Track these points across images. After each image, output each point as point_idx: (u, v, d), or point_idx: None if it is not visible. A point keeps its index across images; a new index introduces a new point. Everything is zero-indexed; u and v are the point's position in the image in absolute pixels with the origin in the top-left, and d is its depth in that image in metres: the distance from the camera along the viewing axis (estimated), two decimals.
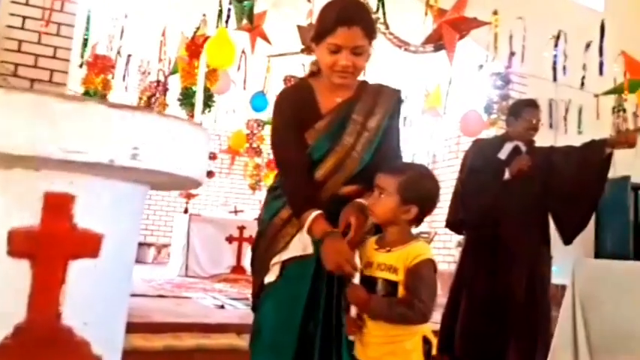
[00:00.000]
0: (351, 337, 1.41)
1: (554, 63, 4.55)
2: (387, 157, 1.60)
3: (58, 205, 1.16)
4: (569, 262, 3.07)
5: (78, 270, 1.15)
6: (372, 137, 1.60)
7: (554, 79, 4.60)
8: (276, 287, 1.57)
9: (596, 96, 5.07)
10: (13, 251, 1.14)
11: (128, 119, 1.13)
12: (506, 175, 2.88)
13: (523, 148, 3.01)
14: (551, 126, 5.43)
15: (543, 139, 5.30)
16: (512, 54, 4.52)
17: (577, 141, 5.45)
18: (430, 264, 1.37)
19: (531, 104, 3.13)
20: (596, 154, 2.86)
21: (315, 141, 1.58)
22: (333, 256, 1.39)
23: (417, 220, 1.46)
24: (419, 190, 1.43)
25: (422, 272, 1.34)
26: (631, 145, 2.80)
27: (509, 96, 4.96)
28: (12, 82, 3.96)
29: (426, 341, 1.36)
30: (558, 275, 4.87)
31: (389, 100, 1.64)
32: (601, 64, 4.33)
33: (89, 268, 1.17)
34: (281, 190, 1.62)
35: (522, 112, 3.03)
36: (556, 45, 4.56)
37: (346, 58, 1.53)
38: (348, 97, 1.64)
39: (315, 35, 1.59)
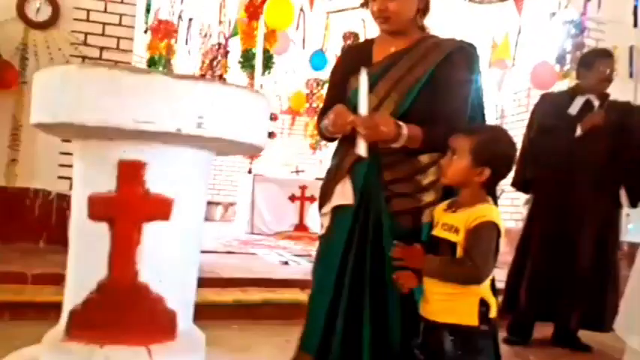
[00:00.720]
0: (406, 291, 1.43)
1: (635, 7, 4.19)
2: (431, 109, 1.54)
3: (131, 172, 1.23)
4: None
5: (152, 232, 1.23)
6: (410, 86, 1.55)
7: (635, 24, 4.25)
8: (324, 237, 1.65)
9: None
10: (93, 215, 1.24)
11: (192, 89, 1.17)
12: (578, 131, 2.74)
13: (596, 102, 2.83)
14: (631, 75, 5.06)
15: (623, 89, 4.98)
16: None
17: None
18: (491, 226, 1.33)
19: (604, 54, 2.93)
20: None
21: (354, 90, 1.59)
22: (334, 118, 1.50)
23: (491, 183, 1.41)
24: (493, 151, 1.38)
25: (480, 233, 1.31)
26: None
27: (585, 45, 4.64)
28: (82, 50, 4.15)
29: (483, 303, 1.33)
30: (633, 234, 4.65)
31: (442, 52, 1.59)
32: None
33: (162, 230, 1.25)
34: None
35: (594, 63, 2.84)
36: None
37: (380, 2, 1.56)
38: (402, 48, 1.62)
39: None
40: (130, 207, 1.22)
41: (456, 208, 1.40)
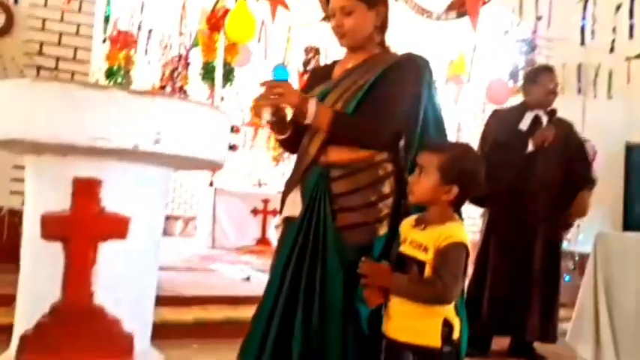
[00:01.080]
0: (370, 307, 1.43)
1: (583, 27, 4.39)
2: (370, 116, 1.55)
3: (86, 190, 1.20)
4: (594, 232, 3.06)
5: (108, 251, 1.20)
6: (353, 94, 1.58)
7: (582, 42, 4.46)
8: (277, 245, 1.68)
9: (628, 59, 4.90)
10: (47, 234, 1.20)
11: (150, 106, 1.16)
12: (530, 147, 2.84)
13: (544, 117, 2.96)
14: (579, 91, 5.29)
15: (572, 104, 5.20)
16: (538, 18, 4.38)
17: (607, 106, 5.35)
18: (460, 247, 1.33)
19: (546, 69, 3.08)
20: None
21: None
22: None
23: (459, 201, 1.40)
24: (461, 169, 1.37)
25: (449, 254, 1.31)
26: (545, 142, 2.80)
27: (536, 62, 4.84)
28: (37, 60, 4.03)
29: (447, 324, 1.32)
30: (583, 244, 4.83)
31: (386, 62, 1.61)
32: (631, 27, 4.17)
33: (118, 249, 1.22)
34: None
35: (538, 78, 2.98)
36: (584, 8, 4.40)
37: (337, 19, 1.60)
38: (357, 64, 1.66)
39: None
40: (85, 226, 1.19)
41: (425, 226, 1.40)
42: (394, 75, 1.57)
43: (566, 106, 4.89)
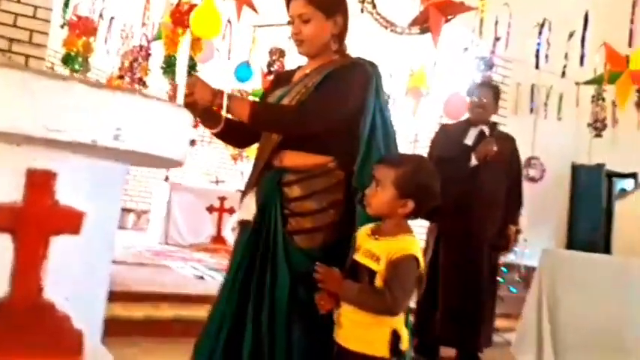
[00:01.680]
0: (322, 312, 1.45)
1: (537, 50, 4.59)
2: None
3: (40, 182, 1.17)
4: (539, 247, 3.20)
5: (59, 246, 1.18)
6: (301, 97, 1.63)
7: (537, 66, 4.65)
8: (233, 247, 1.71)
9: (577, 84, 5.15)
10: None
11: (110, 100, 1.14)
12: (473, 161, 2.93)
13: (487, 132, 3.06)
14: (532, 111, 5.51)
15: (524, 123, 5.42)
16: (497, 39, 4.55)
17: (556, 126, 5.59)
18: (412, 260, 1.36)
19: (479, 84, 3.23)
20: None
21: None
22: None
23: (415, 214, 1.43)
24: (417, 183, 1.39)
25: (401, 266, 1.33)
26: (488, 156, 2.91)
27: (492, 79, 5.01)
28: None
29: (395, 334, 1.35)
30: (529, 258, 5.03)
31: (333, 65, 1.66)
32: (582, 56, 4.40)
33: (70, 244, 1.19)
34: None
35: (470, 92, 3.13)
36: (540, 32, 4.59)
37: (295, 26, 1.66)
38: (312, 70, 1.70)
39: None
40: (37, 219, 1.16)
41: (379, 236, 1.43)
42: (338, 76, 1.62)
43: (518, 125, 5.10)
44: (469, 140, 3.00)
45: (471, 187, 2.93)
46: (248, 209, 1.64)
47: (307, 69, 1.73)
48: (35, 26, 4.00)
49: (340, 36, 1.71)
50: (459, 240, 2.96)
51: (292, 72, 1.81)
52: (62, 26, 5.18)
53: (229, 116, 1.59)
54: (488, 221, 2.99)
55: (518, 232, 3.17)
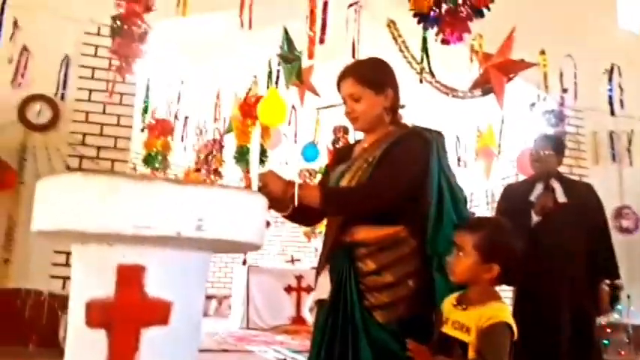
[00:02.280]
0: None
1: (610, 97, 4.43)
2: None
3: (130, 276, 1.23)
4: None
5: (150, 337, 1.21)
6: (363, 174, 1.65)
7: (612, 112, 4.47)
8: (313, 327, 1.70)
9: None
10: (91, 321, 1.22)
11: (191, 194, 1.21)
12: (534, 217, 2.75)
13: (556, 184, 2.87)
14: (614, 158, 5.24)
15: (607, 172, 5.14)
16: (564, 90, 4.45)
17: None
18: (503, 327, 1.30)
19: (538, 137, 3.07)
20: None
21: (330, 181, 1.77)
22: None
23: (502, 279, 1.38)
24: (499, 246, 1.36)
25: (492, 335, 1.28)
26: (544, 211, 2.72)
27: (566, 132, 4.85)
28: (80, 150, 4.26)
29: None
30: (636, 316, 4.58)
31: (392, 137, 1.68)
32: None
33: (160, 335, 1.23)
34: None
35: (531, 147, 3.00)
36: (610, 78, 4.45)
37: (349, 105, 1.73)
38: (370, 144, 1.73)
39: None
40: (128, 312, 1.21)
41: (467, 305, 1.37)
42: (397, 147, 1.64)
43: (601, 175, 4.84)
44: (534, 196, 2.84)
45: (538, 245, 2.71)
46: (323, 288, 1.63)
47: (365, 143, 1.77)
48: (119, 133, 4.38)
49: (393, 107, 1.74)
50: (535, 304, 2.71)
51: (352, 147, 1.86)
52: (142, 130, 5.64)
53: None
54: (566, 280, 2.73)
55: (615, 290, 2.87)
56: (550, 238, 2.71)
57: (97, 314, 1.22)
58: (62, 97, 4.31)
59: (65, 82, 4.31)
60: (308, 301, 6.60)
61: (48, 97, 4.25)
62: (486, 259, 1.35)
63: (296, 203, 1.56)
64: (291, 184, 1.57)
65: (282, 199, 1.58)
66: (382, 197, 1.57)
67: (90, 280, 1.27)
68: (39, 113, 4.21)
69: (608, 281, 2.80)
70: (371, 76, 1.71)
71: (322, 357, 1.54)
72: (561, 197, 2.79)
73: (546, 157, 2.89)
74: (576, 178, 4.97)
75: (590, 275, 2.77)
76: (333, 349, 1.52)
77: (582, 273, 2.76)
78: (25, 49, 4.23)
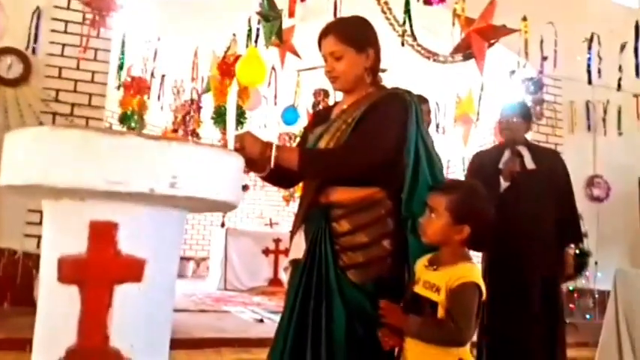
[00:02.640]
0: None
1: (589, 66, 4.45)
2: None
3: (103, 233, 1.22)
4: (612, 269, 3.00)
5: (123, 294, 1.21)
6: (342, 135, 1.64)
7: (589, 82, 4.50)
8: (287, 287, 1.72)
9: (636, 96, 4.94)
10: (63, 277, 1.21)
11: (165, 150, 1.18)
12: (503, 184, 2.78)
13: (524, 151, 2.89)
14: (589, 128, 5.32)
15: (582, 142, 5.22)
16: (544, 58, 4.45)
17: (617, 142, 5.35)
18: (472, 287, 1.32)
19: (506, 105, 3.09)
20: None
21: (308, 143, 1.74)
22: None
23: (472, 241, 1.40)
24: (471, 208, 1.38)
25: (461, 295, 1.31)
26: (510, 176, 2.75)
27: (544, 100, 4.89)
28: (53, 107, 4.15)
29: None
30: (602, 281, 4.74)
31: (371, 99, 1.67)
32: (637, 65, 4.22)
33: (134, 292, 1.22)
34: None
35: (500, 113, 3.00)
36: (589, 47, 4.47)
37: (329, 64, 1.69)
38: (349, 105, 1.71)
39: None
40: (101, 269, 1.20)
41: (438, 266, 1.39)
42: (377, 110, 1.62)
43: (576, 144, 4.91)
44: (501, 163, 2.86)
45: (507, 211, 2.75)
46: (298, 248, 1.64)
47: (344, 104, 1.74)
48: (94, 90, 4.28)
49: (373, 68, 1.72)
50: (504, 269, 2.77)
51: (330, 108, 1.84)
52: (118, 87, 5.50)
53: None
54: (535, 245, 2.78)
55: (584, 255, 2.95)
56: (518, 204, 2.74)
57: (69, 270, 1.21)
58: (34, 51, 4.16)
59: (37, 35, 4.16)
60: (283, 263, 6.68)
61: (19, 50, 4.11)
62: (457, 221, 1.37)
63: (272, 165, 1.55)
64: (269, 145, 1.56)
65: (259, 161, 1.57)
66: (359, 165, 1.57)
67: (62, 237, 1.25)
68: (9, 67, 4.07)
69: (573, 246, 2.87)
70: (353, 34, 1.68)
71: (295, 316, 1.56)
72: (530, 164, 2.81)
73: (514, 125, 2.90)
74: (552, 146, 5.06)
75: (557, 241, 2.83)
76: (307, 308, 1.54)
77: (550, 238, 2.81)
78: None
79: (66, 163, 1.14)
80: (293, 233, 1.71)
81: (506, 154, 2.86)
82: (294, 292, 1.59)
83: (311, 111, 6.25)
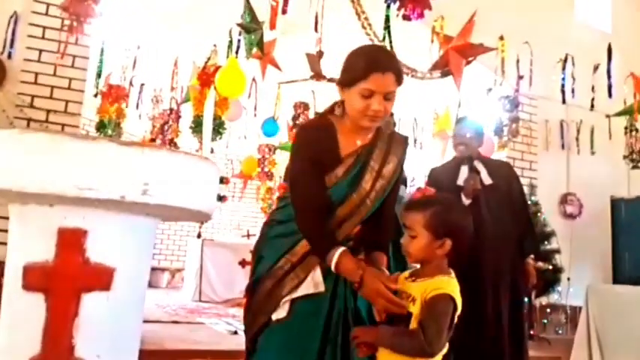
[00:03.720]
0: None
1: (563, 86, 4.56)
2: (390, 205, 1.66)
3: (71, 240, 1.19)
4: (584, 284, 3.04)
5: (90, 303, 1.18)
6: (385, 185, 1.62)
7: (564, 101, 4.61)
8: (286, 323, 1.56)
9: (608, 117, 5.06)
10: (28, 285, 1.17)
11: (138, 156, 1.17)
12: (465, 201, 2.80)
13: (480, 166, 2.88)
14: (563, 147, 5.42)
15: (556, 160, 5.32)
16: (520, 77, 4.55)
17: (591, 160, 5.47)
18: (446, 299, 1.32)
19: (459, 119, 3.12)
20: None
21: (334, 186, 1.60)
22: (375, 299, 1.41)
23: (455, 253, 1.40)
24: (449, 221, 1.38)
25: (434, 306, 1.31)
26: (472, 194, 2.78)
27: (519, 118, 4.98)
28: (28, 113, 4.07)
29: None
30: (574, 297, 4.81)
31: (400, 147, 1.68)
32: (610, 86, 4.33)
33: (101, 301, 1.20)
34: (294, 226, 1.59)
35: (454, 129, 3.05)
36: (564, 68, 4.58)
37: (379, 102, 1.53)
38: (367, 142, 1.65)
39: (346, 80, 1.58)
40: (68, 277, 1.17)
41: (416, 278, 1.40)
42: (404, 162, 1.70)
43: (551, 162, 4.99)
44: (461, 180, 2.88)
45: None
46: (314, 283, 1.57)
47: (357, 139, 1.64)
48: (70, 97, 4.21)
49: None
50: (469, 284, 2.77)
51: (329, 133, 1.65)
52: (95, 95, 5.43)
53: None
54: (500, 260, 2.79)
55: (553, 271, 2.98)
56: (481, 221, 2.73)
57: (35, 278, 1.18)
58: (9, 56, 4.09)
59: (13, 40, 4.09)
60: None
61: None
62: (438, 236, 1.38)
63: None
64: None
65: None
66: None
67: (28, 243, 1.22)
68: None
69: (532, 257, 2.89)
70: (402, 72, 1.63)
71: (339, 341, 1.52)
72: (486, 179, 2.83)
73: (470, 140, 2.92)
74: (527, 163, 5.14)
75: (519, 254, 2.86)
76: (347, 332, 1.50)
77: (513, 252, 2.84)
78: None
79: (34, 168, 1.11)
80: (311, 266, 1.63)
81: (464, 170, 2.87)
82: (323, 321, 1.53)
83: (291, 123, 6.25)
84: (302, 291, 1.56)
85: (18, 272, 1.18)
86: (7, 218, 1.33)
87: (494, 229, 2.76)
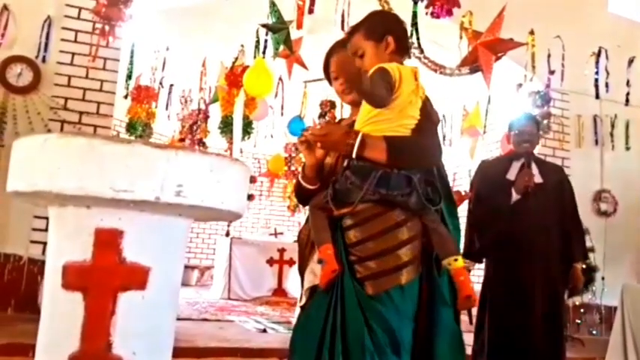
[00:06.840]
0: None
1: (596, 80, 4.45)
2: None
3: (107, 240, 1.22)
4: (619, 284, 2.97)
5: (127, 301, 1.21)
6: None
7: (597, 96, 4.49)
8: (305, 312, 1.59)
9: None
10: (67, 284, 1.21)
11: (172, 159, 1.19)
12: (514, 196, 2.78)
13: (533, 164, 2.87)
14: (596, 142, 5.29)
15: (589, 156, 5.20)
16: (551, 72, 4.45)
17: (625, 157, 5.32)
18: (382, 68, 1.46)
19: (525, 116, 3.08)
20: None
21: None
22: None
23: (400, 49, 1.54)
24: (381, 20, 1.57)
25: (375, 70, 1.47)
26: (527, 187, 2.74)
27: (551, 114, 4.88)
28: (62, 115, 4.18)
29: None
30: (609, 296, 4.70)
31: None
32: None
33: (137, 300, 1.22)
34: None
35: (514, 125, 2.99)
36: (597, 62, 4.46)
37: (340, 84, 1.73)
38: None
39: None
40: (105, 276, 1.20)
41: None
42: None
43: (584, 158, 4.89)
44: (511, 175, 2.86)
45: (516, 221, 2.76)
46: (314, 274, 1.58)
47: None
48: (102, 98, 4.31)
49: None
50: (510, 279, 2.75)
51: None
52: (125, 97, 5.54)
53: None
54: (541, 257, 2.76)
55: (590, 272, 2.94)
56: (529, 217, 2.74)
57: (74, 277, 1.21)
58: (43, 60, 4.21)
59: (47, 44, 4.21)
60: (290, 273, 6.66)
61: (29, 58, 4.15)
62: (380, 38, 1.51)
63: (355, 153, 1.47)
64: (354, 132, 1.50)
65: (339, 145, 1.51)
66: (437, 158, 1.65)
67: (67, 243, 1.26)
68: (19, 75, 4.11)
69: (581, 262, 2.85)
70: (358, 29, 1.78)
71: (329, 332, 1.48)
72: (537, 177, 2.81)
73: (534, 137, 2.93)
74: (559, 160, 5.04)
75: (563, 256, 2.82)
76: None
77: (556, 252, 2.80)
78: (5, 8, 4.11)
79: (72, 171, 1.14)
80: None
81: (516, 165, 2.86)
82: (324, 313, 1.50)
83: (317, 121, 6.27)
84: (307, 282, 1.60)
85: (58, 272, 1.22)
86: (45, 218, 1.37)
87: (539, 227, 2.77)
